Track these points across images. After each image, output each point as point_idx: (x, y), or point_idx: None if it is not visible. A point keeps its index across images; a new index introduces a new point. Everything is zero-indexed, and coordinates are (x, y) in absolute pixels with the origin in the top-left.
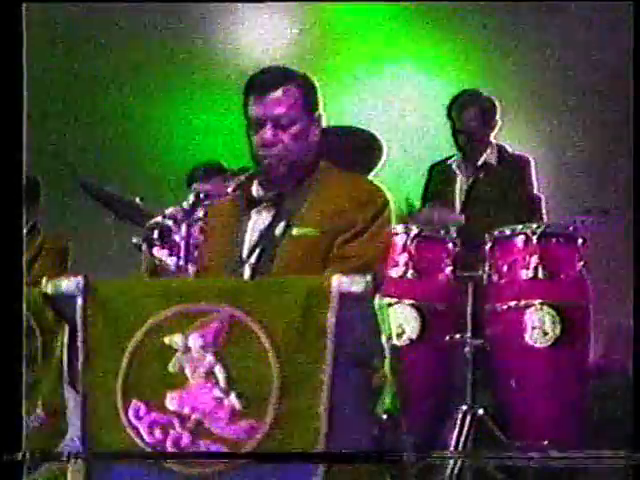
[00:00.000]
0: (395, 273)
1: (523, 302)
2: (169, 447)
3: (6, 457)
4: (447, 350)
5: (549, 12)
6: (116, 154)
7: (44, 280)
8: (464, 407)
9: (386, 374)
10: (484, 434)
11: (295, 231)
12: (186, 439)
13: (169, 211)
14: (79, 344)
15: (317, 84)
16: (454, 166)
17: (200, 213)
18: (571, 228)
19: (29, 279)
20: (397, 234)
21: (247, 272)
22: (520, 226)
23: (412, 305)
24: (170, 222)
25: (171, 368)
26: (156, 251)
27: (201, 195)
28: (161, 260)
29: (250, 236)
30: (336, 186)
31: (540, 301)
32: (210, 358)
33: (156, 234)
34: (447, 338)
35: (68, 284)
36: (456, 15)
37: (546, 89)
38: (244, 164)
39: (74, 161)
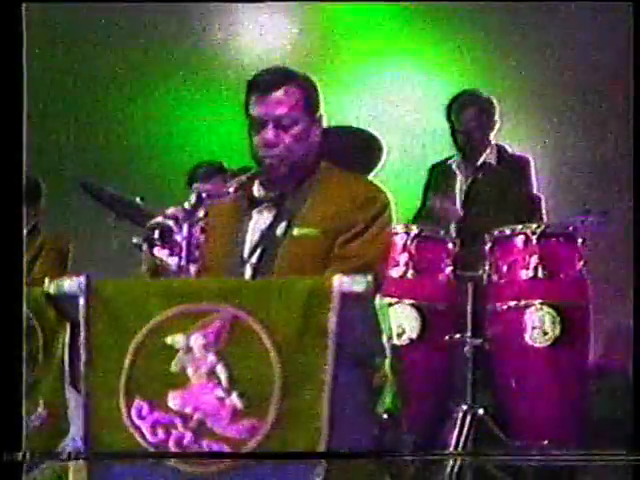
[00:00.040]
0: (395, 273)
1: (523, 302)
2: (171, 446)
3: (6, 457)
4: (447, 350)
5: (549, 12)
6: (116, 154)
7: (46, 280)
8: (464, 407)
9: (387, 374)
10: (484, 434)
11: (296, 231)
12: (188, 438)
13: (170, 211)
14: (81, 344)
15: (318, 85)
16: (454, 166)
17: (201, 213)
18: (571, 228)
19: (29, 279)
20: (397, 234)
21: (248, 272)
22: (520, 226)
23: (412, 305)
24: (171, 222)
25: (173, 368)
26: (157, 251)
27: (202, 195)
28: (162, 260)
29: (251, 236)
30: (337, 186)
31: (540, 301)
32: (212, 358)
33: (157, 234)
34: (447, 338)
35: (70, 284)
36: (456, 15)
37: (546, 89)
38: (244, 164)
39: (74, 161)
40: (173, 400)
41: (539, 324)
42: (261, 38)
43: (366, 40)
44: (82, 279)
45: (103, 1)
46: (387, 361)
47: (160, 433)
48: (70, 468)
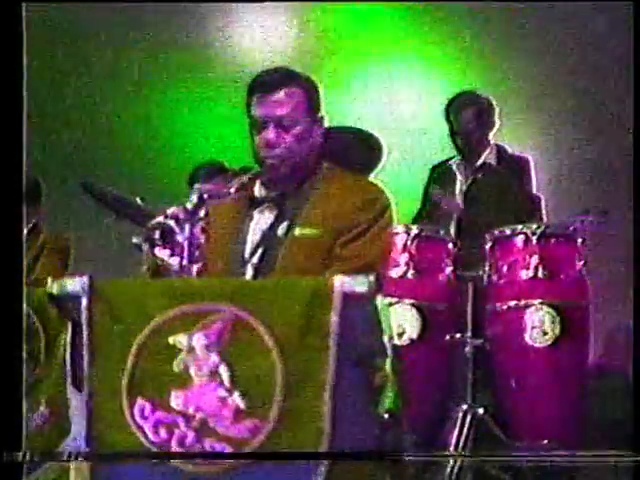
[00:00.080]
0: (396, 273)
1: (523, 302)
2: (174, 446)
3: (6, 457)
4: (447, 350)
5: (549, 12)
6: (116, 154)
7: (49, 280)
8: (464, 407)
9: (388, 374)
10: (484, 434)
11: (297, 231)
12: (191, 438)
13: (171, 211)
14: (84, 344)
15: (320, 86)
16: (454, 167)
17: (202, 213)
18: (571, 228)
19: (30, 279)
20: (397, 234)
21: (249, 272)
22: (520, 226)
23: (412, 305)
24: (172, 222)
25: (176, 368)
26: (158, 251)
27: (204, 195)
28: (163, 260)
29: (252, 236)
30: (338, 187)
31: (540, 301)
32: (214, 358)
33: (158, 234)
34: (447, 338)
35: (73, 284)
36: (456, 15)
37: (546, 89)
38: (245, 164)
39: (74, 161)
40: (175, 400)
41: (539, 324)
42: (261, 38)
43: (366, 40)
44: (85, 279)
45: (103, 1)
46: (388, 361)
47: (162, 433)
48: (71, 468)
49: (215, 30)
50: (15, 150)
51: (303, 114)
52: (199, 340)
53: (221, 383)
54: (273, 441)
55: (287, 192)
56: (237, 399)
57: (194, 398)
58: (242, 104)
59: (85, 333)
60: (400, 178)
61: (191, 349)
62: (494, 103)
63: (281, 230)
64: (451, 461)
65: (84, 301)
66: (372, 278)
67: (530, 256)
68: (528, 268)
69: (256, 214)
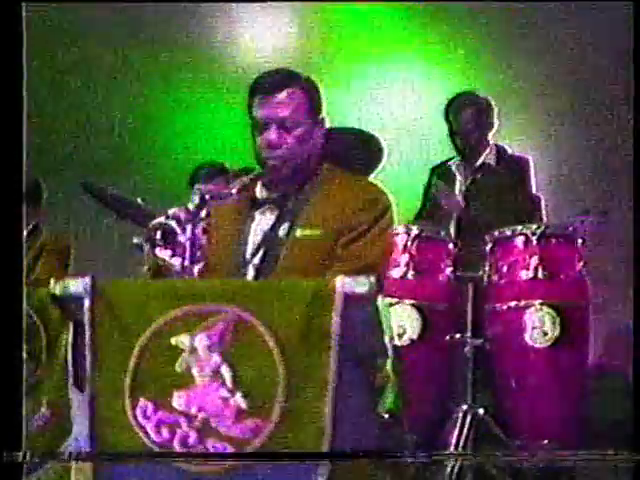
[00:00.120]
0: (396, 273)
1: (523, 302)
2: (176, 446)
3: (6, 457)
4: (447, 350)
5: (549, 12)
6: (117, 154)
7: (52, 281)
8: (464, 407)
9: (388, 374)
10: (484, 434)
11: (298, 232)
12: (193, 438)
13: (172, 211)
14: (86, 345)
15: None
16: (454, 167)
17: (204, 214)
18: (571, 228)
19: (31, 279)
20: (398, 235)
21: (250, 273)
22: (520, 227)
23: (413, 305)
24: (173, 223)
25: (178, 368)
26: (159, 251)
27: (206, 196)
28: (164, 260)
29: (253, 237)
30: (339, 188)
31: (540, 301)
32: (216, 358)
33: (159, 234)
34: (447, 338)
35: (76, 285)
36: (456, 15)
37: (546, 89)
38: (246, 164)
39: (75, 161)
40: (178, 400)
41: (539, 324)
42: (261, 38)
43: (366, 40)
44: (87, 280)
45: (103, 1)
46: (389, 362)
47: (165, 433)
48: (73, 468)
49: (215, 30)
50: (15, 150)
51: (305, 115)
52: (201, 341)
53: (223, 383)
54: (275, 441)
55: (288, 193)
56: (239, 399)
57: (196, 398)
58: (242, 104)
59: (87, 334)
60: (400, 179)
61: (193, 350)
62: (493, 103)
63: (282, 231)
64: (451, 461)
65: (87, 302)
66: (373, 279)
67: (530, 256)
68: (528, 268)
69: (257, 215)
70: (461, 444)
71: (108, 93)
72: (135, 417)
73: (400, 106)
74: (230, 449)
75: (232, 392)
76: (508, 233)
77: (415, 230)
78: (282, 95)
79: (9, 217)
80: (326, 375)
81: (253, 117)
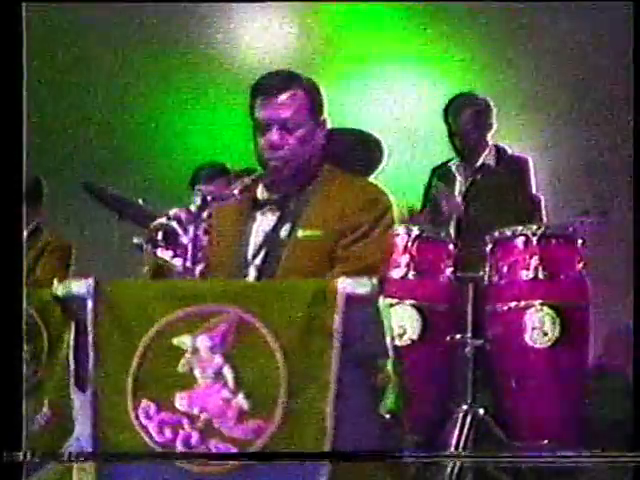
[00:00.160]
0: (396, 274)
1: (523, 303)
2: (178, 446)
3: (6, 457)
4: (448, 350)
5: (549, 12)
6: (117, 155)
7: (55, 282)
8: (464, 407)
9: (389, 374)
10: (484, 434)
11: (300, 233)
12: (195, 439)
13: (173, 212)
14: (89, 345)
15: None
16: (454, 168)
17: (205, 215)
18: (571, 229)
19: (31, 280)
20: (398, 235)
21: (252, 273)
22: (520, 227)
23: (413, 306)
24: (174, 223)
25: (180, 369)
26: (160, 252)
27: (208, 197)
28: (165, 261)
29: (255, 238)
30: (340, 188)
31: (540, 302)
32: (218, 359)
33: (160, 235)
34: (448, 338)
35: (78, 286)
36: (456, 16)
37: (546, 89)
38: (246, 165)
39: (75, 162)
40: (180, 401)
41: (539, 325)
42: (261, 38)
43: (366, 41)
44: (90, 281)
45: (103, 1)
46: (389, 362)
47: (167, 433)
48: (76, 468)
49: (215, 30)
50: (15, 150)
51: (306, 117)
52: (203, 341)
53: (225, 384)
54: (276, 441)
55: (289, 194)
56: (241, 400)
57: (198, 399)
58: (242, 105)
59: (90, 335)
60: (400, 179)
61: (195, 350)
62: (492, 104)
63: (283, 232)
64: (451, 461)
65: (89, 303)
66: (375, 280)
67: (530, 257)
68: (528, 269)
69: (259, 216)
70: (461, 444)
71: (108, 93)
72: (137, 417)
73: (400, 106)
74: (232, 449)
75: (234, 393)
76: (508, 234)
77: (415, 231)
78: (284, 96)
79: (9, 217)
80: (327, 376)
81: (255, 118)
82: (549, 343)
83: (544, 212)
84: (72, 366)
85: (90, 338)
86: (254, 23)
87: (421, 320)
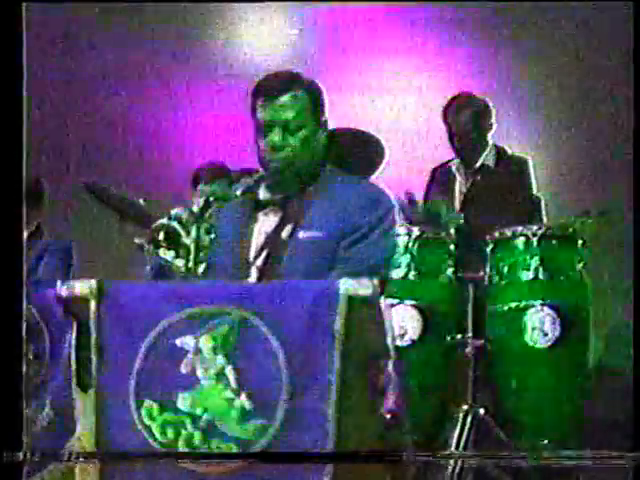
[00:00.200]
0: (397, 274)
1: (523, 303)
2: (181, 447)
3: (6, 457)
4: (448, 350)
5: (549, 12)
6: (118, 155)
7: (58, 283)
8: (465, 407)
9: (391, 374)
10: (485, 434)
11: (301, 234)
12: (198, 439)
13: (174, 212)
14: (92, 346)
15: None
16: (454, 169)
17: (207, 215)
18: (571, 229)
19: (32, 280)
20: (399, 236)
21: (254, 274)
22: (520, 228)
23: (414, 306)
24: (176, 224)
25: (183, 369)
26: (162, 252)
27: (210, 198)
28: (168, 262)
29: (257, 239)
30: (341, 189)
31: (540, 302)
32: (221, 360)
33: (162, 236)
34: (448, 338)
35: (82, 287)
36: (457, 16)
37: (546, 89)
38: (247, 165)
39: (75, 162)
40: (183, 401)
41: (539, 325)
42: (261, 38)
43: (366, 41)
44: (94, 282)
45: (103, 1)
46: (391, 362)
47: (170, 433)
48: (77, 468)
49: (215, 30)
50: (15, 150)
51: (308, 118)
52: (206, 342)
53: (227, 384)
54: (279, 442)
55: (291, 195)
56: (243, 400)
57: (201, 399)
58: (244, 105)
59: (93, 335)
60: (400, 180)
61: (198, 351)
62: (491, 104)
63: (285, 233)
64: (452, 461)
65: (93, 304)
66: (377, 282)
67: (531, 257)
68: (529, 269)
69: (260, 217)
70: (462, 444)
71: (108, 93)
72: (140, 418)
73: (400, 106)
74: (235, 450)
75: (237, 393)
76: (509, 234)
77: (416, 231)
78: (285, 98)
79: (10, 217)
80: (330, 376)
81: (257, 119)
82: (549, 343)
83: (544, 212)
84: (74, 366)
85: (93, 339)
86: (254, 23)
87: (422, 320)
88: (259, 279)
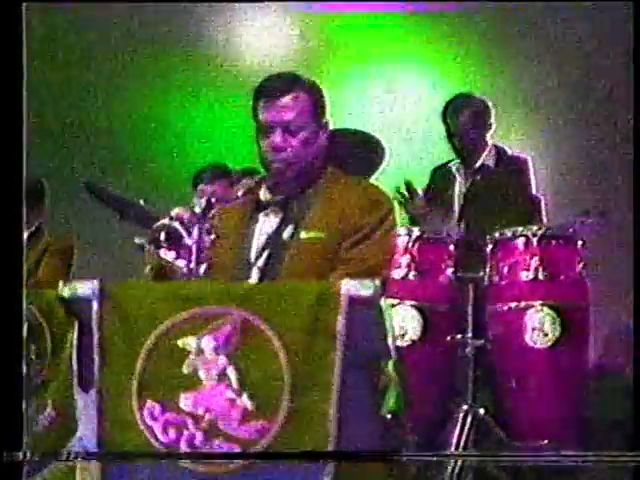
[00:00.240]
0: (397, 274)
1: (523, 303)
2: (183, 447)
3: (6, 457)
4: (448, 350)
5: (549, 12)
6: (118, 155)
7: (60, 283)
8: (465, 407)
9: (391, 375)
10: (485, 434)
11: (302, 235)
12: (199, 439)
13: (175, 212)
14: (94, 346)
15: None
16: (453, 169)
17: (209, 216)
18: (571, 230)
19: (34, 281)
20: (399, 236)
21: (255, 275)
22: (520, 228)
23: (414, 306)
24: (177, 224)
25: (185, 370)
26: (163, 253)
27: (212, 200)
28: (168, 262)
29: (258, 240)
30: (342, 190)
31: (540, 302)
32: (223, 360)
33: (163, 236)
34: (448, 339)
35: (84, 287)
36: (456, 17)
37: (546, 90)
38: (247, 165)
39: (75, 162)
40: (185, 401)
41: (539, 325)
42: (261, 39)
43: (366, 41)
44: (96, 283)
45: (103, 1)
46: (391, 362)
47: (172, 433)
48: (78, 468)
49: (215, 30)
50: (16, 151)
51: (309, 119)
52: (208, 343)
53: (229, 385)
54: (280, 442)
55: (292, 196)
56: (245, 400)
57: (203, 400)
58: (243, 105)
59: (95, 336)
60: (400, 180)
61: (200, 351)
62: (491, 104)
63: (286, 234)
64: (452, 461)
65: (95, 304)
66: (378, 282)
67: (531, 258)
68: (529, 269)
69: (261, 217)
70: (462, 444)
71: (108, 94)
72: (142, 418)
73: (400, 106)
74: (236, 450)
75: (238, 393)
76: (509, 234)
77: (416, 231)
78: (287, 99)
79: (10, 218)
80: (330, 377)
81: (258, 120)
82: (549, 343)
83: (544, 212)
84: (75, 366)
85: (95, 339)
86: (254, 24)
87: (422, 320)
88: (260, 280)
